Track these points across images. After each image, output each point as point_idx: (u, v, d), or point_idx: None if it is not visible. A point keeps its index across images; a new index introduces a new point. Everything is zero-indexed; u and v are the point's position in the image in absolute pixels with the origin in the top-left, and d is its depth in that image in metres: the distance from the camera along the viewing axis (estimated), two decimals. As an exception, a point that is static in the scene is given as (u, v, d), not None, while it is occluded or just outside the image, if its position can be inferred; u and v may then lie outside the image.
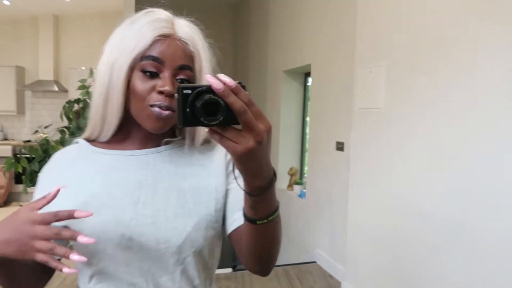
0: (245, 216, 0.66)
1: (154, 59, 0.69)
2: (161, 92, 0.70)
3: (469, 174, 1.84)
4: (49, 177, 0.77)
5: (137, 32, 0.71)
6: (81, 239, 0.60)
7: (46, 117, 5.95)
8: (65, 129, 2.13)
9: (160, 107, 0.70)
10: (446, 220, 1.97)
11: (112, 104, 0.73)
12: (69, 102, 2.21)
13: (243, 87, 0.52)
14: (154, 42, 0.70)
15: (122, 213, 0.70)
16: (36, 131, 2.17)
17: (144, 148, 0.78)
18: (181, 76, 0.72)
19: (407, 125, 2.26)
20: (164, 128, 0.73)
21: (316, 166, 3.76)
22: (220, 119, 0.50)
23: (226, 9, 6.62)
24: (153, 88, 0.70)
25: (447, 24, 1.98)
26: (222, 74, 0.51)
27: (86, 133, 0.79)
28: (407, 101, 2.27)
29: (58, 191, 0.63)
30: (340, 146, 3.28)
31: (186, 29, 0.75)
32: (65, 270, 0.59)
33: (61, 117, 2.21)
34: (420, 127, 2.16)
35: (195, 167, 0.78)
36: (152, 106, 0.70)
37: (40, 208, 0.62)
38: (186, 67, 0.72)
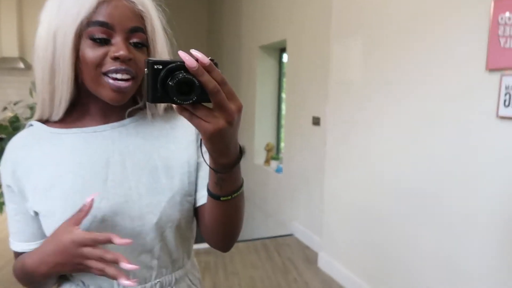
0: (209, 192, 0.65)
1: (102, 24, 0.64)
2: (116, 58, 0.64)
3: (445, 146, 1.91)
4: (7, 168, 0.71)
5: None
6: (119, 241, 0.60)
7: (13, 96, 5.68)
8: (35, 105, 2.05)
9: (116, 71, 0.65)
10: (419, 192, 2.06)
11: (60, 78, 0.66)
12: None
13: (216, 64, 0.50)
14: (99, 4, 0.64)
15: (90, 195, 0.66)
16: (5, 108, 2.07)
17: (107, 123, 0.73)
18: (135, 39, 0.67)
19: (383, 98, 2.31)
20: (124, 99, 0.68)
21: (293, 142, 3.80)
22: (194, 99, 0.49)
23: (199, -18, 6.43)
24: (105, 55, 0.65)
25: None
26: (194, 50, 0.49)
27: (37, 114, 0.73)
28: (383, 75, 2.31)
29: (92, 201, 0.63)
30: (316, 121, 3.32)
31: None
32: (123, 282, 0.59)
33: (30, 93, 2.11)
34: (396, 100, 2.21)
35: (164, 139, 0.75)
36: (106, 74, 0.65)
37: (80, 222, 0.63)
38: (138, 28, 0.67)
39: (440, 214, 1.93)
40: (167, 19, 0.75)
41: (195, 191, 0.76)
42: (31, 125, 0.74)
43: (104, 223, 0.67)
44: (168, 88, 0.48)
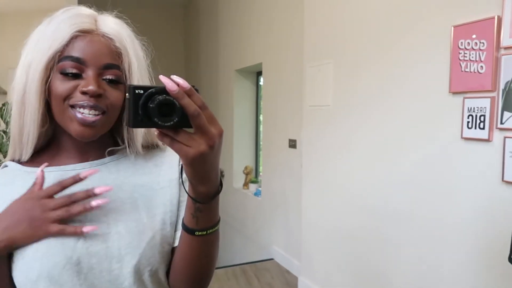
0: (183, 225, 0.63)
1: (74, 59, 0.62)
2: (84, 93, 0.62)
3: (415, 166, 1.94)
4: None
5: (54, 30, 0.63)
6: (99, 189, 0.61)
7: (-17, 122, 5.56)
8: (2, 133, 1.99)
9: (83, 107, 0.62)
10: (396, 211, 2.07)
11: (28, 112, 0.64)
12: (5, 104, 2.06)
13: (196, 90, 0.51)
14: (73, 38, 0.63)
15: (66, 235, 0.63)
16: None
17: (86, 161, 0.70)
18: (108, 76, 0.65)
19: (355, 121, 2.34)
20: (94, 135, 0.65)
21: (271, 164, 3.80)
22: (175, 120, 0.49)
23: (177, 7, 6.50)
24: (74, 88, 0.63)
25: (387, 24, 2.07)
26: (175, 76, 0.50)
27: (9, 153, 0.70)
28: (353, 98, 2.35)
29: (43, 172, 0.63)
30: (292, 144, 3.33)
31: (110, 24, 0.67)
32: (85, 229, 0.60)
33: (1, 117, 2.06)
34: (367, 122, 2.24)
35: (146, 177, 0.72)
36: (73, 107, 0.63)
37: (50, 193, 0.62)
38: (112, 66, 0.65)
39: (415, 232, 1.93)
40: (151, 58, 0.74)
41: (175, 231, 0.71)
42: (6, 165, 0.71)
43: (79, 265, 0.62)
44: (149, 110, 0.49)
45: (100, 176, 0.69)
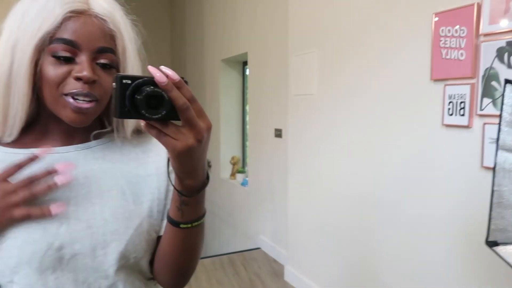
0: (169, 218, 0.62)
1: (67, 42, 0.59)
2: (78, 78, 0.60)
3: (398, 154, 1.95)
4: None
5: (42, 8, 0.59)
6: (60, 165, 0.59)
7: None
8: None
9: (77, 95, 0.60)
10: (380, 199, 2.09)
11: (15, 94, 0.61)
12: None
13: (186, 82, 0.50)
14: (65, 20, 0.59)
15: (48, 220, 0.60)
16: None
17: (70, 145, 0.67)
18: (102, 60, 0.62)
19: (339, 109, 2.35)
20: (86, 121, 0.63)
21: (257, 154, 3.80)
22: (163, 113, 0.48)
23: (161, -3, 6.40)
24: (68, 73, 0.60)
25: (370, 12, 2.06)
26: (164, 66, 0.48)
27: None
28: (337, 86, 2.35)
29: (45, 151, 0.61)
30: (278, 133, 3.33)
31: (103, 4, 0.64)
32: (54, 210, 0.57)
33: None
34: (351, 111, 2.25)
35: (133, 163, 0.70)
36: (67, 95, 0.60)
37: (6, 176, 0.58)
38: (106, 49, 0.62)
39: (399, 220, 1.96)
40: (143, 40, 0.71)
41: (161, 220, 0.70)
42: None
43: (62, 251, 0.60)
44: (137, 102, 0.47)
45: (85, 160, 0.67)
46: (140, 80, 0.48)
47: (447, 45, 1.61)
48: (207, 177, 0.59)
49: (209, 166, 4.94)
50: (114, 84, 0.48)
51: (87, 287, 0.63)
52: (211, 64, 4.74)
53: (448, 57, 1.61)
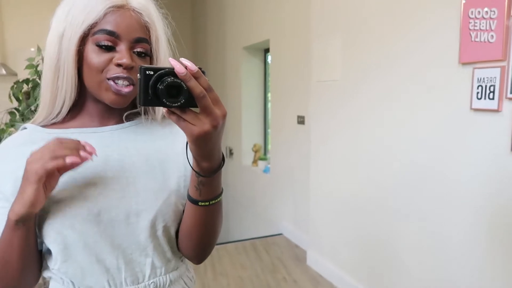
0: (188, 196, 0.68)
1: (109, 33, 0.66)
2: (119, 65, 0.67)
3: (425, 138, 1.94)
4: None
5: (86, 3, 0.67)
6: (89, 147, 0.63)
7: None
8: (15, 110, 2.03)
9: (118, 78, 0.67)
10: (404, 184, 2.08)
11: (63, 78, 0.69)
12: (17, 82, 2.08)
13: (203, 72, 0.54)
14: (106, 13, 0.67)
15: (88, 188, 0.68)
16: (-16, 115, 2.04)
17: (106, 125, 0.75)
18: (138, 49, 0.70)
19: (363, 95, 2.34)
20: (125, 103, 0.71)
21: (279, 141, 3.82)
22: (182, 101, 0.52)
23: (182, -15, 6.42)
24: (110, 61, 0.67)
25: (396, -6, 2.03)
26: (184, 58, 0.53)
27: (38, 117, 0.74)
28: (361, 72, 2.34)
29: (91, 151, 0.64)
30: (301, 120, 3.34)
31: None
32: (83, 153, 0.61)
33: (9, 98, 2.09)
34: (375, 96, 2.24)
35: (162, 142, 0.76)
36: (109, 79, 0.68)
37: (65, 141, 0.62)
38: (142, 39, 0.70)
39: (423, 204, 1.96)
40: (173, 31, 0.78)
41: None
42: (25, 128, 0.75)
43: (100, 217, 0.68)
44: (159, 92, 0.52)
45: (119, 139, 0.74)
46: (161, 71, 0.53)
47: (477, 28, 1.58)
48: (223, 159, 0.64)
49: (231, 153, 4.99)
50: (138, 75, 0.53)
51: (122, 252, 0.70)
52: (233, 52, 4.75)
53: (477, 39, 1.58)
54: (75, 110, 0.74)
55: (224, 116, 0.56)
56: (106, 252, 0.69)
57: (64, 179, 0.67)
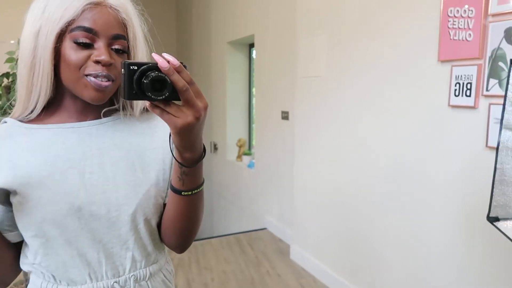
0: (171, 186, 0.70)
1: (87, 30, 0.66)
2: (97, 62, 0.67)
3: (404, 134, 1.98)
4: None
5: (63, 0, 0.67)
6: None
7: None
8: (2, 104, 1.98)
9: (97, 76, 0.67)
10: (385, 179, 2.13)
11: (39, 74, 0.68)
12: (-2, 75, 2.05)
13: (185, 66, 0.56)
14: (84, 10, 0.67)
15: (68, 184, 0.69)
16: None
17: (85, 121, 0.75)
18: (116, 46, 0.70)
19: (346, 91, 2.37)
20: (104, 99, 0.71)
21: (264, 136, 3.83)
22: (166, 95, 0.54)
23: (167, -22, 6.35)
24: (88, 58, 0.68)
25: (379, -8, 2.06)
26: (166, 53, 0.55)
27: (15, 112, 0.74)
28: (345, 68, 2.37)
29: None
30: (285, 115, 3.36)
31: None
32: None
33: (-5, 93, 2.05)
34: (358, 92, 2.27)
35: (140, 137, 0.77)
36: (87, 75, 0.68)
37: None
38: (120, 36, 0.70)
39: (404, 200, 2.00)
40: (149, 27, 0.79)
41: (167, 188, 0.78)
42: (5, 122, 0.75)
43: (81, 211, 0.69)
44: (143, 86, 0.54)
45: (98, 134, 0.75)
46: (145, 66, 0.54)
47: (456, 26, 1.62)
48: (204, 150, 0.66)
49: (216, 148, 4.99)
50: (122, 70, 0.54)
51: (103, 246, 0.71)
52: (218, 46, 4.73)
53: (456, 38, 1.62)
54: (53, 106, 0.74)
55: (205, 108, 0.58)
56: (87, 246, 0.70)
57: (44, 175, 0.68)
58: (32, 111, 0.72)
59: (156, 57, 0.54)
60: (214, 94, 4.89)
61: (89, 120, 0.75)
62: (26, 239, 0.71)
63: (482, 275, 1.63)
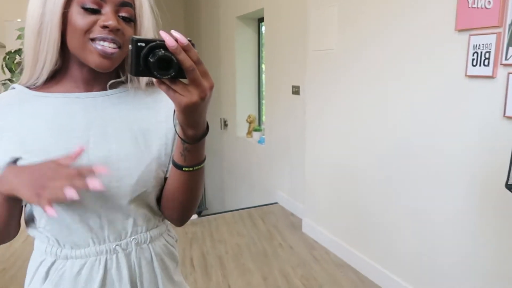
0: (173, 162, 0.71)
1: None
2: (105, 27, 0.68)
3: (419, 105, 1.97)
4: None
5: None
6: (98, 169, 0.63)
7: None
8: (8, 81, 2.01)
9: (104, 39, 0.68)
10: (398, 150, 2.13)
11: (46, 41, 0.69)
12: (9, 53, 2.06)
13: (193, 45, 0.55)
14: None
15: (72, 153, 0.69)
16: (-23, 86, 2.02)
17: (90, 92, 0.75)
18: (123, 13, 0.70)
19: (358, 64, 2.34)
20: (110, 67, 0.71)
21: (274, 112, 3.83)
22: (172, 74, 0.55)
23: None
24: (94, 23, 0.68)
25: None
26: (174, 30, 0.54)
27: (22, 79, 0.75)
28: (357, 41, 2.33)
29: (80, 151, 0.65)
30: (296, 90, 3.34)
31: None
32: (93, 182, 0.60)
33: (2, 69, 2.07)
34: (371, 65, 2.25)
35: (145, 111, 0.78)
36: (93, 40, 0.68)
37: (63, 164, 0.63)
38: (127, 3, 0.71)
39: (417, 171, 2.01)
40: (156, 2, 0.79)
41: (168, 163, 0.79)
42: (13, 88, 0.76)
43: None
44: (150, 64, 0.54)
45: (102, 106, 0.75)
46: (152, 44, 0.54)
47: (474, -7, 1.58)
48: (207, 128, 0.67)
49: (226, 125, 5.00)
50: (130, 46, 0.54)
51: (104, 212, 0.73)
52: (226, 21, 4.68)
53: (474, 5, 1.58)
54: (60, 75, 0.75)
55: (211, 88, 0.59)
56: (90, 212, 0.72)
57: (48, 143, 0.70)
58: (38, 78, 0.72)
59: (164, 34, 0.53)
60: (223, 70, 4.86)
61: (95, 91, 0.76)
62: (31, 206, 0.73)
63: (498, 245, 1.65)
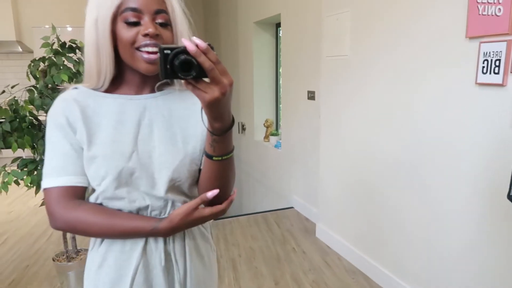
0: (205, 152, 0.81)
1: (133, 9, 0.80)
2: (146, 35, 0.80)
3: (430, 112, 1.96)
4: (59, 117, 0.85)
5: None
6: (210, 194, 0.80)
7: (12, 80, 5.76)
8: (33, 88, 2.11)
9: (146, 45, 0.80)
10: (411, 159, 2.12)
11: (103, 57, 0.83)
12: (34, 61, 2.16)
13: (212, 48, 0.64)
14: None
15: (125, 147, 0.84)
16: (3, 91, 2.13)
17: (141, 94, 0.89)
18: (159, 20, 0.82)
19: (371, 70, 2.34)
20: (156, 70, 0.82)
21: (290, 117, 3.85)
22: (193, 74, 0.63)
23: (194, -42, 6.33)
24: (137, 33, 0.80)
25: (406, -33, 2.00)
26: (195, 37, 0.64)
27: (88, 84, 0.88)
28: (370, 47, 2.33)
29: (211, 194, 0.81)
30: (311, 95, 3.36)
31: None
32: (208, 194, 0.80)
33: (27, 76, 2.18)
34: (383, 71, 2.24)
35: (186, 112, 0.90)
36: (139, 49, 0.81)
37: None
38: (161, 11, 0.82)
39: (428, 178, 1.99)
40: (185, 1, 0.89)
41: (202, 155, 0.90)
42: (76, 87, 0.89)
43: (132, 171, 0.84)
44: (175, 67, 0.63)
45: (151, 106, 0.89)
46: (176, 50, 0.63)
47: (485, 1, 1.56)
48: (233, 121, 0.75)
49: (244, 129, 5.05)
50: (158, 54, 0.64)
51: (147, 195, 0.86)
52: (244, 27, 4.73)
53: (485, 13, 1.57)
54: (118, 81, 0.89)
55: (231, 84, 0.67)
56: (136, 196, 0.86)
57: (106, 135, 0.84)
58: (102, 86, 0.87)
59: (185, 41, 0.62)
60: (242, 75, 4.92)
61: (145, 93, 0.90)
62: (94, 187, 0.87)
63: (507, 258, 1.62)
